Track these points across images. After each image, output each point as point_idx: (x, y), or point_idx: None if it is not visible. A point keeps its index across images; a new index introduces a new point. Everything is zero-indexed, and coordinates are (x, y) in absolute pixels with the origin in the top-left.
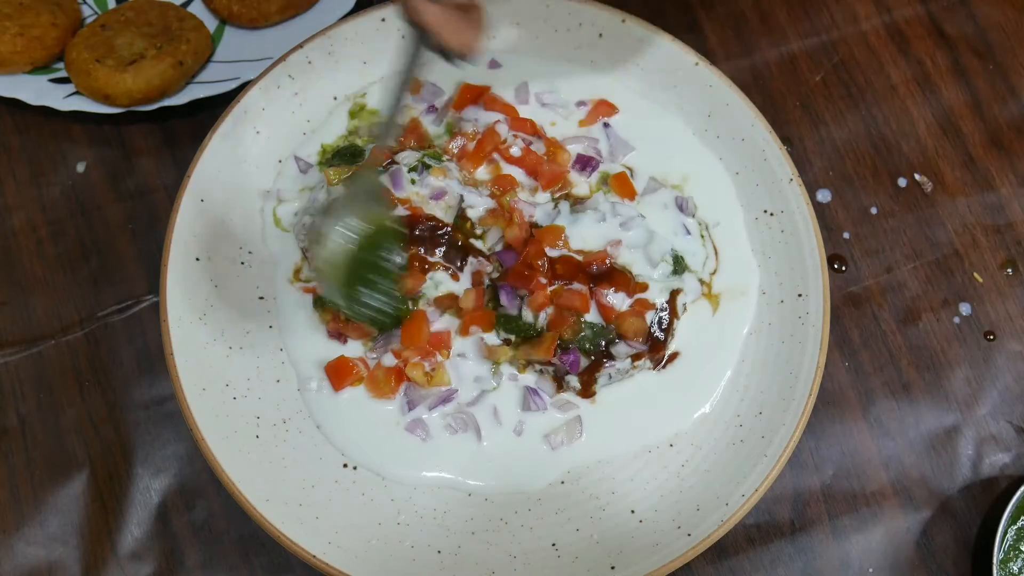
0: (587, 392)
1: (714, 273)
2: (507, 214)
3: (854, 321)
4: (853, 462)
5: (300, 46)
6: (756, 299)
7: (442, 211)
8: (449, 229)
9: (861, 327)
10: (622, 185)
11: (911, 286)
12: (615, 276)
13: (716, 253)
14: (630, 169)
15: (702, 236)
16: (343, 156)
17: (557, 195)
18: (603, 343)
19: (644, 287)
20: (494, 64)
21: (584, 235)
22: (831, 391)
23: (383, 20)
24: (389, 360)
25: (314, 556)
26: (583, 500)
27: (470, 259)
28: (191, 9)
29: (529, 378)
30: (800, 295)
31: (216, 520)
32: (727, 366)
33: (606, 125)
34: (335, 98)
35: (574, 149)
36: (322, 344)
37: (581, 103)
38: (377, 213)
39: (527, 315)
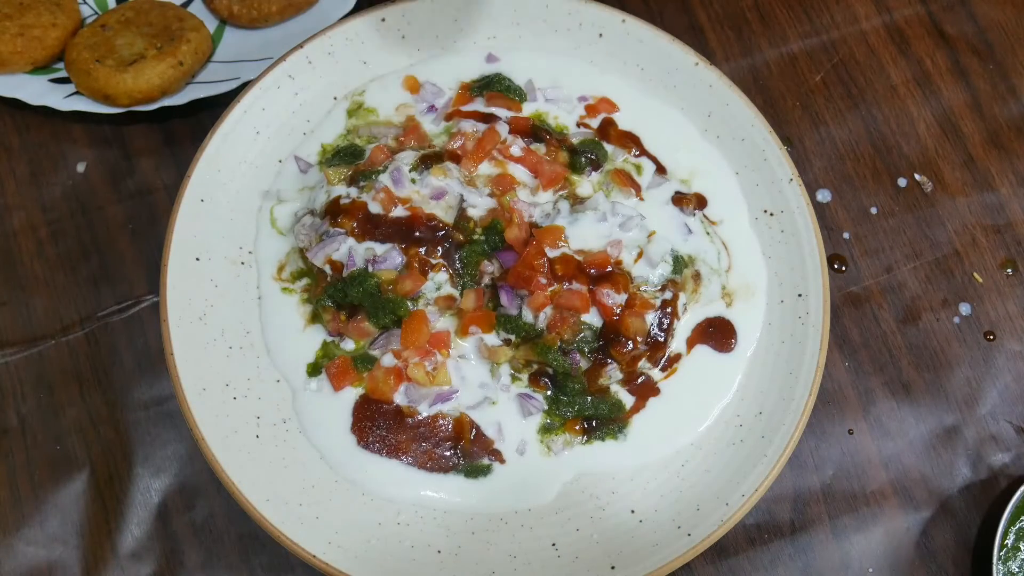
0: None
1: (728, 270)
2: (507, 214)
3: (854, 321)
4: (853, 462)
5: (300, 46)
6: (765, 299)
7: (442, 211)
8: (449, 229)
9: (861, 327)
10: (624, 181)
11: (911, 286)
12: (615, 276)
13: (727, 249)
14: (636, 167)
15: (707, 233)
16: (343, 155)
17: (558, 194)
18: (602, 343)
19: (675, 297)
20: (492, 59)
21: (584, 235)
22: (831, 391)
23: (383, 20)
24: (389, 360)
25: (314, 556)
26: (583, 500)
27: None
28: (191, 9)
29: (522, 385)
30: (800, 295)
31: (216, 520)
32: (737, 370)
33: (608, 122)
34: (335, 98)
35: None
36: (307, 342)
37: (583, 98)
38: None
39: (527, 315)
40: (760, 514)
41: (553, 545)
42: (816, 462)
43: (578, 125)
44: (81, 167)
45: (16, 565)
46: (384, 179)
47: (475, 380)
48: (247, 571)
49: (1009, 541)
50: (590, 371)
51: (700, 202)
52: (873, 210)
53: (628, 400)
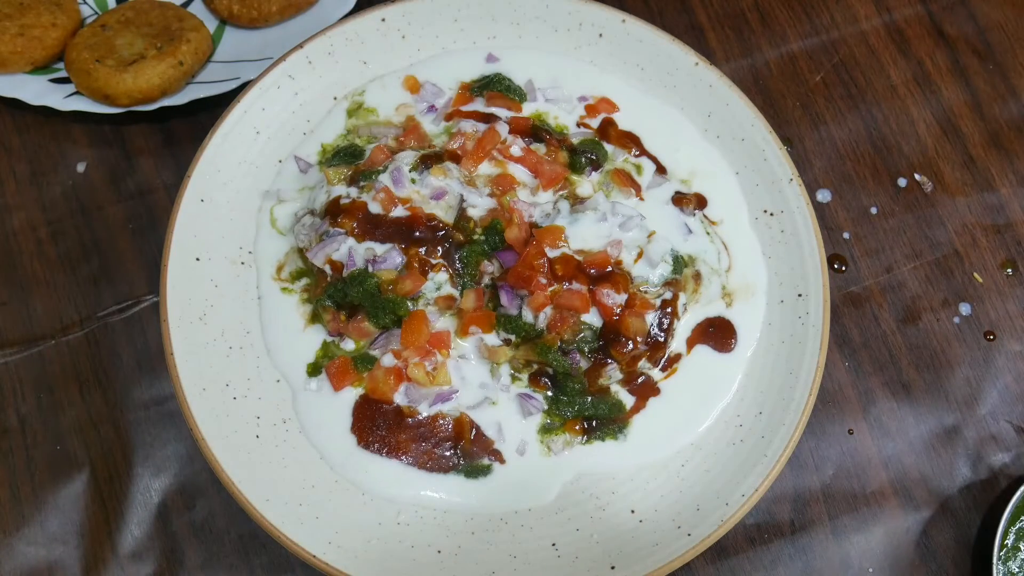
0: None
1: (728, 270)
2: (507, 214)
3: (854, 321)
4: (853, 462)
5: (300, 46)
6: (765, 299)
7: (442, 211)
8: (449, 229)
9: (861, 327)
10: (624, 181)
11: (911, 286)
12: (615, 276)
13: (727, 249)
14: (636, 167)
15: (707, 233)
16: (343, 155)
17: (558, 194)
18: (602, 343)
19: (675, 297)
20: (492, 59)
21: (584, 235)
22: (831, 391)
23: (383, 20)
24: (389, 360)
25: (314, 556)
26: (583, 500)
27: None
28: (191, 9)
29: (522, 385)
30: (800, 295)
31: (216, 520)
32: (737, 370)
33: (608, 122)
34: (335, 98)
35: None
36: (307, 342)
37: (583, 98)
38: None
39: (527, 315)
40: (760, 514)
41: (553, 545)
42: (816, 462)
43: (578, 125)
44: (81, 167)
45: (16, 565)
46: (384, 179)
47: (475, 380)
48: (247, 571)
49: (1009, 541)
50: (590, 371)
51: (700, 202)
52: (873, 210)
53: (628, 400)
